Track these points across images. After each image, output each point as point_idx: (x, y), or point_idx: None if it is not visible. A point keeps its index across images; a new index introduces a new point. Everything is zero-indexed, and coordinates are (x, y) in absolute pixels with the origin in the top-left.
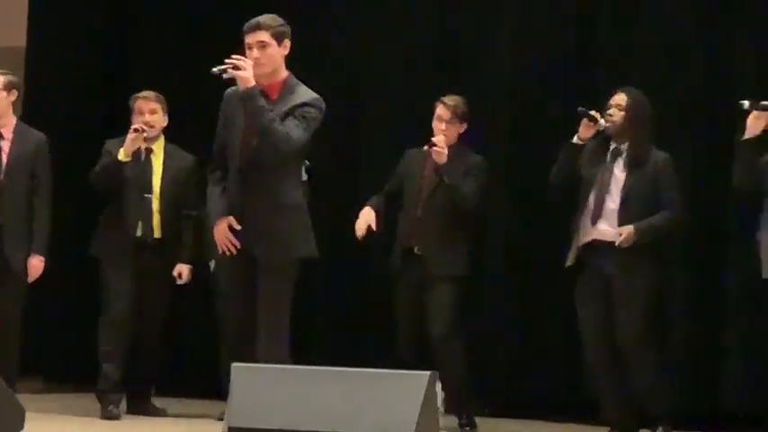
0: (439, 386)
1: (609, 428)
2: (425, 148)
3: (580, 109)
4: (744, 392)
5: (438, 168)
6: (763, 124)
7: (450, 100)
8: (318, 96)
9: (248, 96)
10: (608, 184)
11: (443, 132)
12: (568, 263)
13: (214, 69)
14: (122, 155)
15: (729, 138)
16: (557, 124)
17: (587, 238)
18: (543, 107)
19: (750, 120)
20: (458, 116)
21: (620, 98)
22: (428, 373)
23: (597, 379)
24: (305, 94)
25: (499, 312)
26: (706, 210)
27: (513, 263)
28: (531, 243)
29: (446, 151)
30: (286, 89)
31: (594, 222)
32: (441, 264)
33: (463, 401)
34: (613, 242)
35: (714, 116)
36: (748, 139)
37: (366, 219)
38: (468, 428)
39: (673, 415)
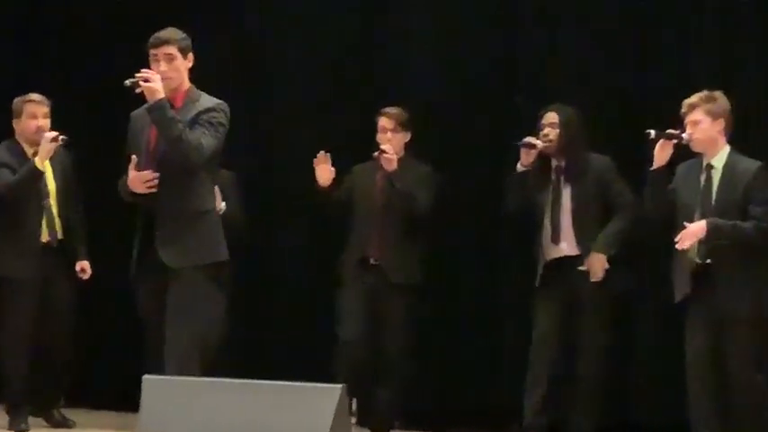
0: (354, 400)
1: None
2: (375, 154)
3: (522, 142)
4: (654, 405)
5: (388, 175)
6: (670, 153)
7: (392, 110)
8: (222, 101)
9: (157, 108)
10: (559, 203)
11: (389, 142)
12: (536, 284)
13: (126, 82)
14: (39, 163)
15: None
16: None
17: (550, 257)
18: (470, 122)
19: (657, 149)
20: (401, 125)
21: (552, 116)
22: (340, 385)
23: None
24: (209, 100)
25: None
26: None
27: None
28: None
29: (395, 158)
30: (189, 98)
31: (556, 242)
32: (398, 272)
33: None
34: (577, 256)
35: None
36: (656, 169)
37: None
38: None
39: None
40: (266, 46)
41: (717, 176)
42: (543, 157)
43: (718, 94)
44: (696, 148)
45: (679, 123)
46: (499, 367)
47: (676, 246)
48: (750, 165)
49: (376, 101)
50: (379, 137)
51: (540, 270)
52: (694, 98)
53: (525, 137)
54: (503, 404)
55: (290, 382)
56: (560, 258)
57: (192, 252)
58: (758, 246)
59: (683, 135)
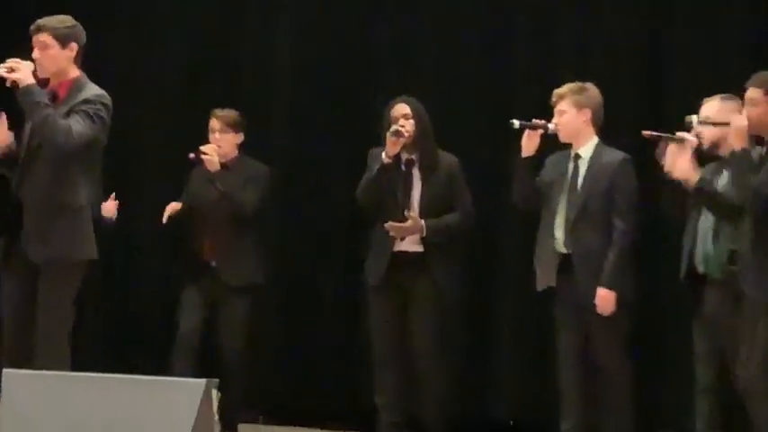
0: (216, 394)
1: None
2: (191, 156)
3: (389, 131)
4: (513, 401)
5: (211, 177)
6: (537, 143)
7: (222, 111)
8: (102, 93)
9: (23, 93)
10: (409, 196)
11: (217, 143)
12: (373, 282)
13: None
14: None
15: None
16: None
17: (396, 249)
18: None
19: (524, 139)
20: (231, 127)
21: (403, 108)
22: (204, 380)
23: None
24: (91, 91)
25: (275, 323)
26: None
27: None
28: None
29: (216, 159)
30: (74, 88)
31: (403, 237)
32: (233, 274)
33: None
34: (417, 252)
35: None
36: (525, 158)
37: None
38: None
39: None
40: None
41: (583, 167)
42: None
43: (589, 85)
44: (562, 138)
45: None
46: (356, 363)
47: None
48: (616, 156)
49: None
50: (210, 138)
51: (383, 264)
52: (563, 88)
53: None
54: (359, 399)
55: (153, 377)
56: (403, 252)
57: (57, 248)
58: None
59: (549, 125)
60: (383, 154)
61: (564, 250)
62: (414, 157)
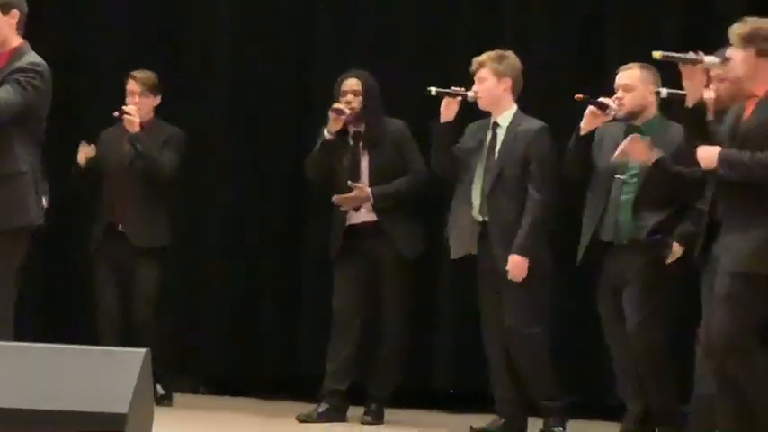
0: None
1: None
2: (115, 114)
3: (333, 107)
4: (453, 370)
5: (131, 138)
6: (455, 110)
7: (140, 73)
8: (39, 61)
9: None
10: (358, 169)
11: (137, 105)
12: (333, 255)
13: None
14: None
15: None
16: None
17: (350, 223)
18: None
19: (442, 107)
20: (150, 90)
21: (353, 83)
22: (144, 350)
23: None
24: (28, 60)
25: (217, 291)
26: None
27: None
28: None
29: (137, 120)
30: (14, 57)
31: (356, 208)
32: (143, 237)
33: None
34: (372, 221)
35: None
36: (443, 124)
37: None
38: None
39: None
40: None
41: (501, 134)
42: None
43: (509, 53)
44: (482, 105)
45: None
46: (297, 334)
47: None
48: (533, 125)
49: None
50: (128, 100)
51: (339, 238)
52: (483, 56)
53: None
54: (300, 369)
55: (92, 347)
56: (359, 224)
57: None
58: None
59: (468, 93)
60: (326, 130)
61: (480, 218)
62: (361, 130)
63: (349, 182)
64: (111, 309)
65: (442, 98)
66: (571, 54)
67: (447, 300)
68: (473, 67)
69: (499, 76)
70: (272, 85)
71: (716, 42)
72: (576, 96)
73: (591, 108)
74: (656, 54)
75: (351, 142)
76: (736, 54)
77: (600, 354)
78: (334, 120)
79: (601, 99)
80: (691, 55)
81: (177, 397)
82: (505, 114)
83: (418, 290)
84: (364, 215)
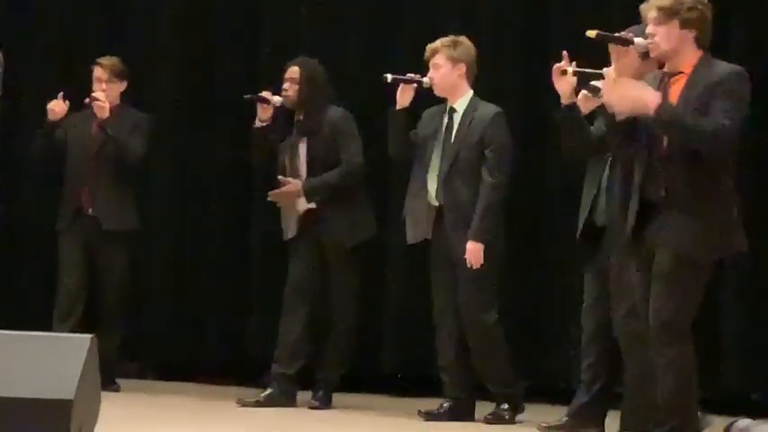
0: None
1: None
2: (86, 100)
3: (246, 97)
4: (402, 355)
5: (101, 123)
6: (411, 96)
7: (107, 60)
8: None
9: None
10: (297, 156)
11: (104, 92)
12: (286, 236)
13: None
14: None
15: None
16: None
17: (302, 209)
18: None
19: (398, 93)
20: (116, 75)
21: (293, 71)
22: (90, 336)
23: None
24: None
25: (163, 276)
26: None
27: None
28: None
29: (107, 105)
30: None
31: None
32: (112, 220)
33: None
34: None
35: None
36: (399, 110)
37: None
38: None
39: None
40: None
41: (457, 119)
42: (285, 111)
43: (463, 39)
44: (437, 92)
45: None
46: (244, 319)
47: None
48: (489, 110)
49: None
50: (95, 87)
51: (294, 220)
52: (437, 43)
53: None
54: (246, 353)
55: (39, 333)
56: (305, 211)
57: None
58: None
59: (424, 79)
60: (257, 119)
61: (436, 203)
62: (302, 118)
63: (279, 177)
64: (76, 291)
65: (398, 85)
66: (515, 36)
67: (396, 285)
68: (427, 54)
69: (454, 62)
70: (218, 70)
71: None
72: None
73: (583, 92)
74: (591, 33)
75: (294, 132)
76: (656, 30)
77: (558, 338)
78: (261, 109)
79: (593, 83)
80: (623, 34)
81: (123, 382)
82: (461, 100)
83: (367, 274)
84: (305, 203)
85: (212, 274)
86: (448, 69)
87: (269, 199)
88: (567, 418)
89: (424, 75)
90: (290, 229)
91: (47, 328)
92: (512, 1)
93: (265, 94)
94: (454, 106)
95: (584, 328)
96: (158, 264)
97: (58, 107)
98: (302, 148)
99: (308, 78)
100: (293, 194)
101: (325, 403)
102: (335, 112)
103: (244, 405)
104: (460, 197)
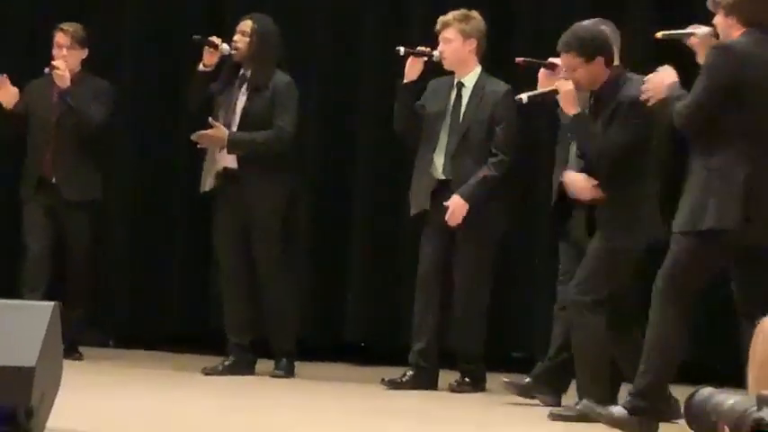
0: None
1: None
2: (46, 70)
3: (195, 37)
4: (365, 324)
5: (62, 92)
6: (420, 69)
7: (69, 26)
8: None
9: None
10: (233, 111)
11: (64, 59)
12: (203, 189)
13: None
14: None
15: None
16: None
17: (221, 166)
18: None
19: (407, 66)
20: (78, 42)
21: (246, 24)
22: (52, 303)
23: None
24: None
25: (125, 246)
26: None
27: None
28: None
29: (68, 74)
30: None
31: (221, 149)
32: (74, 189)
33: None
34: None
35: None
36: (407, 84)
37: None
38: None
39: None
40: None
41: (467, 95)
42: (231, 62)
43: (474, 13)
44: (447, 65)
45: None
46: (205, 287)
47: None
48: (500, 87)
49: None
50: (55, 52)
51: (211, 176)
52: (448, 16)
53: None
54: (209, 322)
55: (0, 300)
56: (225, 169)
57: None
58: (503, 179)
59: (434, 52)
60: (201, 63)
61: (442, 176)
62: (247, 74)
63: (210, 119)
64: (43, 256)
65: (408, 57)
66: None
67: (360, 255)
68: (438, 27)
69: (465, 36)
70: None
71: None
72: (518, 60)
73: (542, 70)
74: (659, 34)
75: (236, 83)
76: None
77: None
78: (208, 53)
79: (550, 59)
80: (689, 29)
81: (86, 350)
82: (470, 75)
83: (330, 245)
84: (230, 161)
85: (176, 241)
86: (459, 44)
87: (192, 137)
88: (529, 380)
89: (432, 48)
90: (206, 183)
91: (15, 297)
92: None
93: (214, 39)
94: (463, 81)
95: (558, 294)
96: (122, 233)
97: (5, 96)
98: (240, 102)
99: (261, 34)
100: (217, 140)
101: (288, 372)
102: (283, 78)
103: (208, 374)
104: (469, 173)
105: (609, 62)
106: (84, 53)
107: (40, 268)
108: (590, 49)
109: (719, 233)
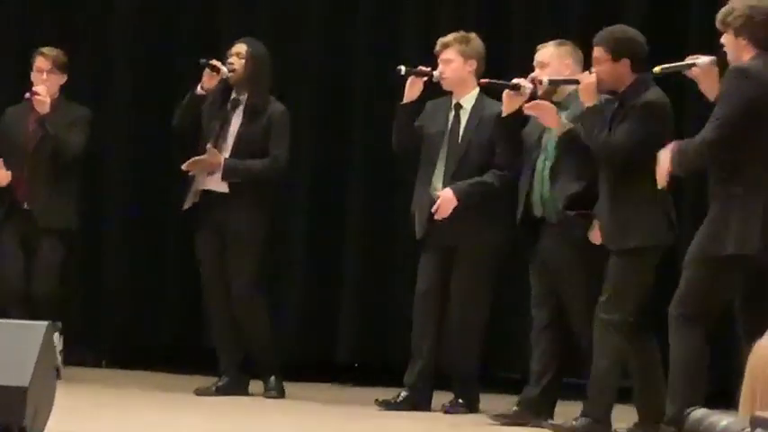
0: (58, 338)
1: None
2: (26, 96)
3: (201, 61)
4: (358, 344)
5: (41, 118)
6: (420, 89)
7: (50, 51)
8: None
9: None
10: (225, 134)
11: (44, 83)
12: (184, 207)
13: None
14: None
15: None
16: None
17: (203, 187)
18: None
19: (407, 85)
20: (58, 67)
21: (240, 47)
22: (46, 323)
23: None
24: None
25: (119, 266)
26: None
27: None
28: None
29: (48, 100)
30: None
31: (211, 172)
32: (49, 217)
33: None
34: (222, 192)
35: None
36: (404, 105)
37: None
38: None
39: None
40: None
41: (465, 116)
42: (224, 86)
43: (473, 35)
44: (446, 86)
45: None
46: (199, 306)
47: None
48: (498, 108)
49: None
50: (34, 77)
51: (192, 201)
52: (449, 37)
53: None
54: (202, 341)
55: None
56: (208, 191)
57: None
58: (502, 193)
59: (434, 73)
60: (199, 86)
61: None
62: (241, 98)
63: (208, 145)
64: (14, 280)
65: (408, 77)
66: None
67: (353, 274)
68: (437, 48)
69: (466, 57)
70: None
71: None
72: (481, 81)
73: (506, 91)
74: (656, 69)
75: (228, 108)
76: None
77: (515, 328)
78: (208, 76)
79: (515, 81)
80: (689, 60)
81: (80, 371)
82: (468, 96)
83: (323, 265)
84: (214, 184)
85: (170, 260)
86: (459, 64)
87: (183, 167)
88: (516, 408)
89: (432, 68)
90: (187, 200)
91: None
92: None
93: (216, 62)
94: (461, 102)
95: (534, 318)
96: (114, 252)
97: None
98: (234, 127)
99: (255, 57)
100: (212, 165)
101: (279, 393)
102: (278, 106)
103: (201, 394)
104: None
105: (636, 67)
106: (63, 78)
107: (11, 295)
108: (619, 47)
109: (740, 259)
